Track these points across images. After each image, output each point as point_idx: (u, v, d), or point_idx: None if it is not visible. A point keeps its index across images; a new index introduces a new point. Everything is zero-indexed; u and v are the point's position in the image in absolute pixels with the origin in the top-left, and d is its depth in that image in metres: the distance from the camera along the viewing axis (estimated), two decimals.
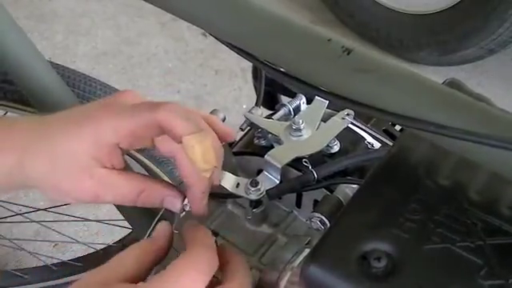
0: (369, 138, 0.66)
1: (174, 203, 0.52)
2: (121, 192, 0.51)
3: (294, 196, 0.66)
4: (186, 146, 0.48)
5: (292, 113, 0.68)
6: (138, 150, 1.02)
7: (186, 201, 0.53)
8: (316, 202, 0.63)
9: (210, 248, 0.46)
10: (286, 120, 0.67)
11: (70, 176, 0.49)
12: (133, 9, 2.22)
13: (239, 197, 0.62)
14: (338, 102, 0.41)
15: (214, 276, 0.45)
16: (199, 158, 0.48)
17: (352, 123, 0.65)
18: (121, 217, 0.98)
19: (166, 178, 1.06)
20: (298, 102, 0.68)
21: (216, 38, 0.48)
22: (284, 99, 0.72)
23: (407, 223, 0.42)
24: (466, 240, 0.41)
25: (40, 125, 0.51)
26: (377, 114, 0.40)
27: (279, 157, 0.61)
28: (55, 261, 1.35)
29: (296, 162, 0.62)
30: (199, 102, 1.88)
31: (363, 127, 0.65)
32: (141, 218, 0.93)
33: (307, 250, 0.56)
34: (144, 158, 1.03)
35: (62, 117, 0.51)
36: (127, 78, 1.95)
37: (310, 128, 0.63)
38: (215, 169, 0.49)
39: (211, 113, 0.66)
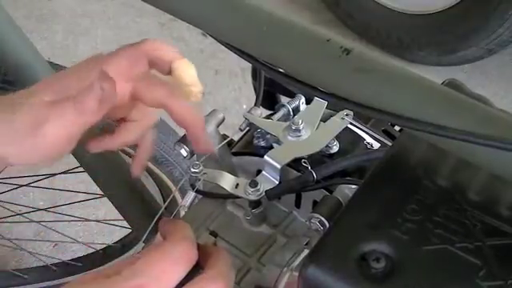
0: (368, 139, 0.65)
1: None
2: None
3: (293, 196, 0.66)
4: (178, 69, 0.50)
5: (291, 113, 0.68)
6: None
7: (183, 202, 0.53)
8: (315, 202, 0.63)
9: (187, 239, 0.45)
10: (286, 120, 0.67)
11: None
12: (133, 9, 2.22)
13: (238, 197, 0.62)
14: (337, 102, 0.41)
15: (197, 270, 0.44)
16: (187, 81, 0.50)
17: (351, 123, 0.65)
18: (121, 217, 0.98)
19: (166, 179, 1.06)
20: (297, 103, 0.68)
21: (215, 38, 0.48)
22: (283, 99, 0.72)
23: (406, 224, 0.42)
24: (464, 241, 0.41)
25: (7, 98, 0.49)
26: (376, 114, 0.40)
27: (278, 157, 0.61)
28: (55, 261, 1.35)
29: (295, 163, 0.62)
30: (199, 102, 1.88)
31: (362, 127, 0.65)
32: (140, 218, 0.93)
33: (306, 251, 0.56)
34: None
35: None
36: None
37: (309, 128, 0.63)
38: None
39: (211, 113, 0.66)
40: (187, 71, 0.51)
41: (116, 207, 0.95)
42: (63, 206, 1.29)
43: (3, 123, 0.47)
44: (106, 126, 0.57)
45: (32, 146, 0.48)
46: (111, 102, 0.48)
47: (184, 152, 0.63)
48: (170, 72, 0.51)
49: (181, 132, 0.67)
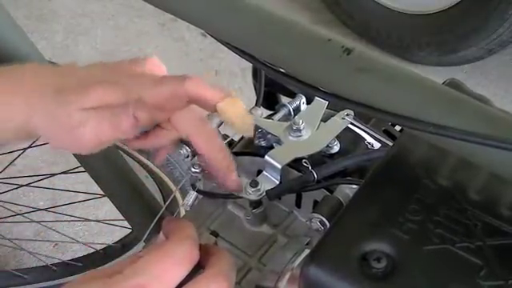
0: (369, 139, 0.65)
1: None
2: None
3: (293, 196, 0.66)
4: (224, 110, 0.50)
5: (292, 113, 0.68)
6: (139, 151, 1.02)
7: (184, 201, 0.53)
8: (316, 202, 0.63)
9: (189, 239, 0.45)
10: (286, 120, 0.67)
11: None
12: (132, 9, 2.22)
13: (239, 197, 0.62)
14: (337, 102, 0.41)
15: (198, 269, 0.44)
16: (236, 120, 0.51)
17: (352, 123, 0.65)
18: (121, 217, 0.98)
19: (166, 179, 1.06)
20: (297, 103, 0.68)
21: (215, 38, 0.48)
22: (284, 99, 0.72)
23: (407, 224, 0.42)
24: (465, 241, 0.41)
25: (53, 83, 0.53)
26: (377, 114, 0.40)
27: (279, 157, 0.61)
28: (55, 261, 1.35)
29: (296, 163, 0.62)
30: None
31: (363, 127, 0.65)
32: (141, 218, 0.93)
33: (307, 251, 0.56)
34: (144, 159, 1.04)
35: (76, 78, 0.53)
36: None
37: (309, 128, 0.63)
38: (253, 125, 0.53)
39: (211, 113, 0.66)
40: (233, 109, 0.51)
41: (117, 207, 0.95)
42: (63, 206, 1.29)
43: (50, 116, 0.52)
44: None
45: (70, 141, 0.53)
46: (141, 128, 0.52)
47: (184, 152, 0.63)
48: (215, 110, 0.52)
49: None
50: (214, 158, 0.56)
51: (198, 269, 0.44)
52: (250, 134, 0.54)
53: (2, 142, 0.57)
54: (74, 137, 0.52)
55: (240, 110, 0.51)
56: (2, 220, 1.27)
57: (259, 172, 0.64)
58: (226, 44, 0.46)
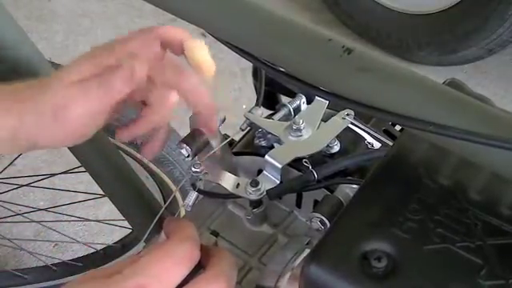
0: (369, 138, 0.65)
1: None
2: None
3: (294, 196, 0.66)
4: (190, 48, 0.52)
5: (292, 113, 0.68)
6: (139, 151, 1.02)
7: (185, 201, 0.53)
8: (316, 202, 0.63)
9: (190, 239, 0.45)
10: (287, 120, 0.67)
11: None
12: (133, 9, 2.22)
13: (239, 197, 0.62)
14: (338, 101, 0.41)
15: (198, 269, 0.44)
16: (201, 62, 0.53)
17: (352, 123, 0.65)
18: (121, 217, 0.98)
19: (166, 179, 1.06)
20: (298, 102, 0.68)
21: (216, 37, 0.48)
22: (284, 99, 0.72)
23: (407, 223, 0.42)
24: (466, 240, 0.41)
25: (38, 82, 0.52)
26: (377, 113, 0.40)
27: (279, 157, 0.61)
28: (55, 261, 1.35)
29: (296, 162, 0.62)
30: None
31: (363, 127, 0.65)
32: (141, 218, 0.93)
33: (307, 250, 0.56)
34: (144, 158, 1.04)
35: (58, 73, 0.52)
36: None
37: (310, 128, 0.63)
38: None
39: None
40: (198, 49, 0.53)
41: (117, 207, 0.95)
42: (63, 206, 1.29)
43: (31, 108, 0.50)
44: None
45: (57, 127, 0.50)
46: (139, 80, 0.51)
47: (185, 152, 0.63)
48: (182, 52, 0.53)
49: (182, 132, 0.67)
50: (201, 102, 0.56)
51: (198, 269, 0.44)
52: (210, 74, 0.54)
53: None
54: (61, 120, 0.50)
55: (204, 51, 0.53)
56: (2, 220, 1.27)
57: (259, 172, 0.64)
58: (226, 43, 0.46)
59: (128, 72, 0.50)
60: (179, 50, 0.53)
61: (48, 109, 0.49)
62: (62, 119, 0.50)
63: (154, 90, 0.55)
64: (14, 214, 1.25)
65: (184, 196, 1.04)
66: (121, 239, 1.30)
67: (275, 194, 0.61)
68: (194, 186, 0.67)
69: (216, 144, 0.64)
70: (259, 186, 0.60)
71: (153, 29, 0.53)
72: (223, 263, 0.45)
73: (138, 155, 1.03)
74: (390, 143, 0.65)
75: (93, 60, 0.52)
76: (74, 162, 0.86)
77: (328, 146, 0.64)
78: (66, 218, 1.29)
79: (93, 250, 1.33)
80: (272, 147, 0.65)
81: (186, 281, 0.43)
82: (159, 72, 0.54)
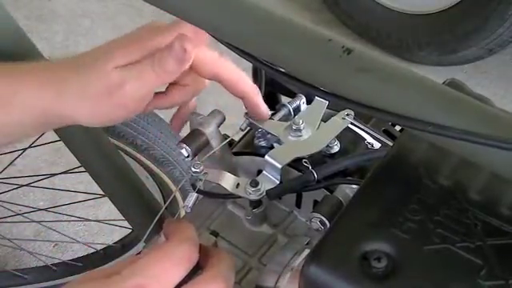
0: (369, 138, 0.65)
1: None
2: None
3: (293, 196, 0.66)
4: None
5: (292, 113, 0.68)
6: (139, 151, 1.02)
7: (186, 202, 0.53)
8: (316, 202, 0.63)
9: (189, 240, 0.45)
10: (286, 120, 0.67)
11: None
12: (133, 9, 2.22)
13: (239, 197, 0.62)
14: (338, 102, 0.41)
15: (197, 270, 0.44)
16: None
17: (352, 123, 0.65)
18: (121, 217, 0.98)
19: (166, 179, 1.06)
20: (298, 102, 0.68)
21: (216, 38, 0.48)
22: (284, 99, 0.72)
23: (407, 223, 0.42)
24: (466, 240, 0.41)
25: (73, 59, 0.54)
26: (377, 114, 0.40)
27: (279, 157, 0.61)
28: (55, 261, 1.35)
29: (296, 163, 0.62)
30: (199, 102, 1.88)
31: (363, 127, 0.65)
32: (141, 218, 0.93)
33: (307, 251, 0.56)
34: (144, 158, 1.04)
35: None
36: None
37: (310, 128, 0.63)
38: None
39: (211, 113, 0.66)
40: None
41: (117, 207, 0.95)
42: (63, 206, 1.29)
43: (76, 85, 0.52)
44: None
45: (108, 107, 0.52)
46: (189, 62, 0.52)
47: (185, 152, 0.63)
48: None
49: (182, 132, 0.67)
50: (242, 84, 0.59)
51: (196, 270, 0.45)
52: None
53: (20, 138, 0.56)
54: (114, 100, 0.52)
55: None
56: (2, 220, 1.28)
57: (259, 172, 0.64)
58: (226, 44, 0.46)
59: (180, 53, 0.51)
60: None
61: (97, 90, 0.51)
62: (114, 99, 0.52)
63: (190, 73, 0.57)
64: (13, 214, 1.25)
65: (184, 196, 1.04)
66: (121, 239, 1.30)
67: (275, 194, 0.61)
68: (193, 186, 0.67)
69: (216, 144, 0.64)
70: (259, 186, 0.60)
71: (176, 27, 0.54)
72: (221, 264, 0.45)
73: (138, 155, 1.03)
74: (390, 143, 0.65)
75: (140, 43, 0.53)
76: (74, 162, 0.86)
77: (328, 146, 0.64)
78: (65, 217, 1.29)
79: (93, 250, 1.33)
80: (272, 147, 0.65)
81: (184, 281, 0.43)
82: (202, 61, 0.56)
